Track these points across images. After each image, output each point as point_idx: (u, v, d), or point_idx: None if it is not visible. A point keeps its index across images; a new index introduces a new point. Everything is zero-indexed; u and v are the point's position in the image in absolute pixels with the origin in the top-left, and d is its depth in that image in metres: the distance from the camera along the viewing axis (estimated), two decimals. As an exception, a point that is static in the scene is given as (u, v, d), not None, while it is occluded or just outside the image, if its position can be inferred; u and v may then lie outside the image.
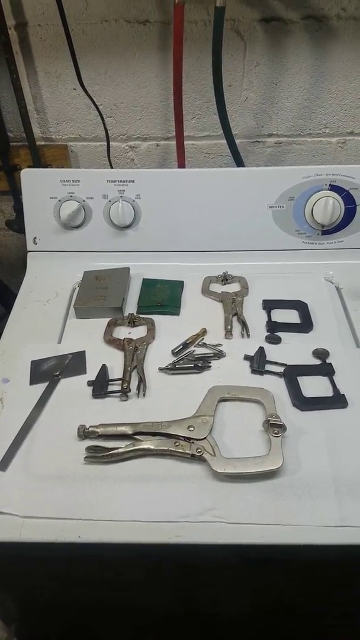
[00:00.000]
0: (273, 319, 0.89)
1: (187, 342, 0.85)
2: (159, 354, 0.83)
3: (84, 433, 0.70)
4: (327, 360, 0.81)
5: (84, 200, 0.98)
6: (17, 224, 1.19)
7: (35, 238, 1.01)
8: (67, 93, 1.06)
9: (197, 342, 0.85)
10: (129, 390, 0.77)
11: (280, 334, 0.86)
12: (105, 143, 1.10)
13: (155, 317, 0.90)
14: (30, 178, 0.98)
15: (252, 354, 0.82)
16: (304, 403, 0.74)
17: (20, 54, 1.01)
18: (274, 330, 0.87)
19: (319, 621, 0.92)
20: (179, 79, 0.96)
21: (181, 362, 0.81)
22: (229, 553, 0.63)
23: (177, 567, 0.71)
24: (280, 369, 0.79)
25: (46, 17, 0.96)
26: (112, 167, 1.13)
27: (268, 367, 0.80)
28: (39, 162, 1.12)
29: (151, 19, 0.96)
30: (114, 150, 1.13)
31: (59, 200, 0.98)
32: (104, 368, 0.80)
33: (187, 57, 0.97)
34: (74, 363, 0.82)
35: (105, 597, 0.84)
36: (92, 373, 0.80)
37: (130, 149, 1.13)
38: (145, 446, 0.68)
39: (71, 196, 0.97)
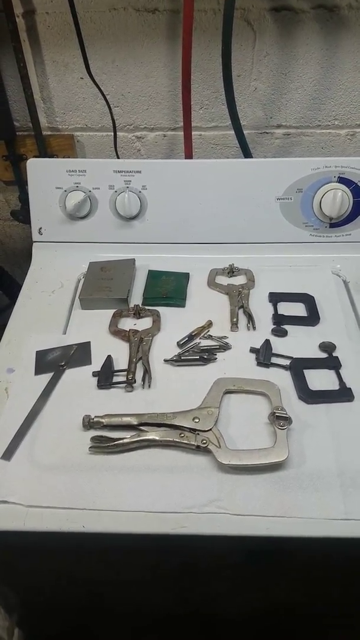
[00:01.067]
0: (279, 312, 0.88)
1: (193, 334, 0.84)
2: (164, 346, 0.83)
3: (89, 423, 0.70)
4: (334, 354, 0.80)
5: (90, 191, 0.97)
6: (22, 215, 1.19)
7: (40, 228, 1.01)
8: (74, 82, 1.05)
9: (202, 334, 0.85)
10: (134, 381, 0.76)
11: (286, 326, 0.85)
12: (112, 133, 1.09)
13: (161, 309, 0.90)
14: (36, 168, 0.98)
15: (258, 346, 0.81)
16: (310, 396, 0.74)
17: (28, 42, 1.00)
18: (280, 323, 0.86)
19: (319, 621, 0.92)
20: (187, 68, 0.95)
21: (187, 353, 0.81)
22: (234, 544, 0.63)
23: (180, 561, 0.71)
24: (287, 362, 0.79)
25: (54, 5, 0.95)
26: (118, 158, 1.13)
27: (274, 360, 0.79)
28: (45, 152, 1.11)
29: (160, 7, 0.95)
30: (120, 140, 1.12)
31: (65, 191, 0.97)
32: (109, 359, 0.80)
33: (196, 47, 0.95)
34: (79, 354, 0.82)
35: (108, 589, 0.85)
36: (97, 364, 0.80)
37: (137, 139, 1.12)
38: (150, 437, 0.68)
39: (77, 186, 0.97)
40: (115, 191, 0.97)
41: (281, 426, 0.67)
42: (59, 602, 0.92)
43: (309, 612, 0.88)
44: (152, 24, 0.97)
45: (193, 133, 1.06)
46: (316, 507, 0.62)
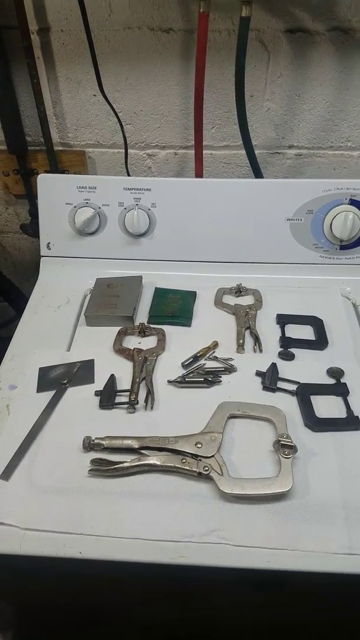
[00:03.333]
0: (287, 334, 0.87)
1: (198, 354, 0.83)
2: (168, 366, 0.82)
3: (90, 445, 0.68)
4: (342, 380, 0.78)
5: (99, 207, 0.97)
6: (31, 228, 1.19)
7: (49, 243, 1.01)
8: (87, 99, 1.05)
9: (208, 355, 0.83)
10: (137, 402, 0.75)
11: (293, 350, 0.84)
12: (124, 150, 1.09)
13: (166, 328, 0.89)
14: (47, 183, 0.98)
15: (264, 369, 0.80)
16: (316, 424, 0.72)
17: (42, 58, 1.01)
18: (287, 346, 0.85)
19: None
20: (200, 87, 0.95)
21: (191, 375, 0.80)
22: (234, 576, 0.61)
23: (178, 589, 0.69)
24: (293, 387, 0.77)
25: (69, 23, 0.96)
26: (129, 175, 1.12)
27: (280, 385, 0.78)
28: (56, 167, 1.11)
29: (175, 27, 0.95)
30: (131, 157, 1.12)
31: (75, 207, 0.97)
32: (112, 378, 0.79)
33: (209, 66, 0.95)
34: (82, 372, 0.81)
35: (104, 609, 0.83)
36: (100, 383, 0.79)
37: (148, 157, 1.12)
38: (151, 461, 0.66)
39: (87, 202, 0.97)
40: (125, 208, 0.97)
41: (286, 455, 0.66)
42: (55, 620, 0.91)
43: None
44: (166, 43, 0.97)
45: (204, 152, 1.06)
46: (319, 540, 0.60)
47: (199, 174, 1.07)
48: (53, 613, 0.88)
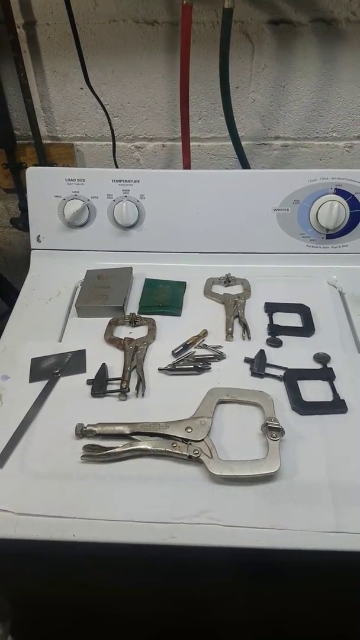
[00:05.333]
0: (275, 322, 0.89)
1: (188, 343, 0.84)
2: (159, 355, 0.83)
3: (82, 432, 0.70)
4: (328, 365, 0.80)
5: (88, 200, 0.98)
6: (21, 222, 1.19)
7: (39, 236, 1.01)
8: (74, 92, 1.06)
9: (197, 343, 0.85)
10: (128, 390, 0.76)
11: (281, 337, 0.86)
12: (111, 143, 1.10)
13: (157, 318, 0.90)
14: (36, 176, 0.98)
15: (252, 356, 0.81)
16: (303, 407, 0.74)
17: (29, 52, 1.01)
18: (275, 334, 0.86)
19: (314, 632, 0.91)
20: (185, 80, 0.96)
21: (181, 363, 0.81)
22: (224, 556, 0.63)
23: (172, 569, 0.71)
24: (281, 373, 0.79)
25: (55, 16, 0.97)
26: (117, 167, 1.13)
27: (268, 370, 0.79)
28: (44, 160, 1.12)
29: (159, 19, 0.96)
30: (119, 150, 1.13)
31: (64, 199, 0.98)
32: (103, 367, 0.80)
33: (194, 58, 0.96)
34: (74, 361, 0.82)
35: (100, 597, 0.84)
36: (91, 372, 0.80)
37: (136, 149, 1.13)
38: (143, 446, 0.68)
39: (76, 195, 0.98)
40: (114, 200, 0.98)
41: (274, 437, 0.67)
42: (52, 610, 0.92)
43: (302, 622, 0.87)
44: (151, 35, 0.98)
45: (191, 144, 1.07)
46: (307, 519, 0.62)
47: (186, 165, 1.08)
48: (49, 603, 0.89)
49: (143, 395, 0.77)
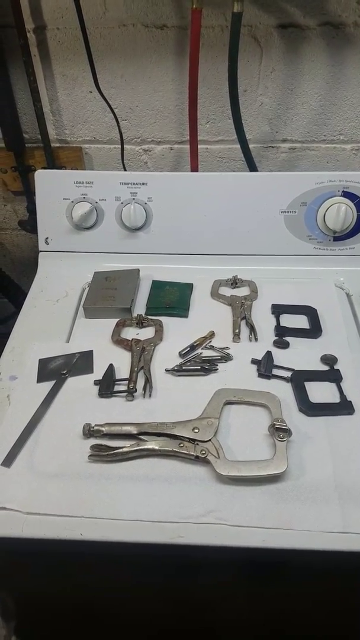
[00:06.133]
0: (282, 324, 0.89)
1: (195, 344, 0.85)
2: (166, 356, 0.83)
3: (89, 432, 0.70)
4: (335, 367, 0.80)
5: (96, 202, 0.99)
6: (30, 224, 1.20)
7: (47, 238, 1.02)
8: (83, 96, 1.07)
9: (204, 344, 0.85)
10: (135, 391, 0.77)
11: (288, 338, 0.86)
12: (120, 146, 1.10)
13: (164, 319, 0.90)
14: (44, 179, 0.99)
15: (259, 357, 0.81)
16: (310, 408, 0.74)
17: (38, 56, 1.02)
18: (282, 335, 0.86)
19: (317, 632, 0.90)
20: (194, 83, 0.97)
21: (188, 364, 0.81)
22: (231, 556, 0.63)
23: (176, 570, 0.71)
24: (288, 374, 0.79)
25: (65, 21, 0.98)
26: (125, 170, 1.14)
27: (275, 372, 0.79)
28: (53, 163, 1.13)
29: (169, 23, 0.97)
30: (128, 153, 1.13)
31: (72, 202, 0.99)
32: (110, 368, 0.80)
33: (203, 62, 0.97)
34: (82, 362, 0.82)
35: (106, 597, 0.84)
36: (99, 373, 0.80)
37: (144, 152, 1.14)
38: (150, 446, 0.68)
39: (84, 197, 0.98)
40: (122, 203, 0.98)
41: (281, 438, 0.67)
42: (56, 610, 0.92)
43: (306, 622, 0.87)
44: (160, 39, 0.99)
45: (199, 146, 1.07)
46: (314, 519, 0.62)
47: (194, 168, 1.09)
48: (52, 604, 0.89)
49: (150, 395, 0.77)
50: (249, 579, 0.73)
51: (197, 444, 0.68)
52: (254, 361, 0.81)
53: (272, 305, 0.92)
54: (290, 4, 0.94)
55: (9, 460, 0.69)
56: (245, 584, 0.75)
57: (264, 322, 0.89)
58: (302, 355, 0.83)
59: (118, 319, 0.90)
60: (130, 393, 0.76)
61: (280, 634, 0.92)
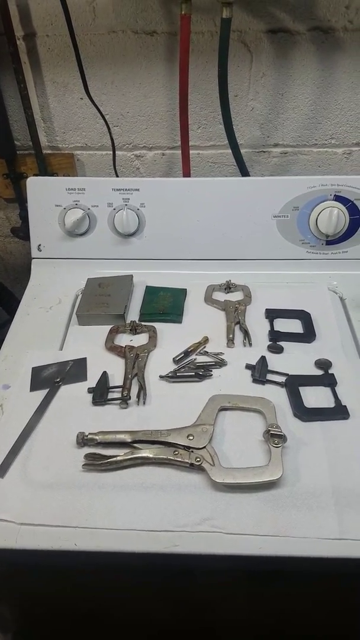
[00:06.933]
0: (275, 328, 0.89)
1: (189, 350, 0.84)
2: (160, 362, 0.83)
3: (83, 440, 0.70)
4: (330, 371, 0.80)
5: (88, 209, 0.98)
6: (22, 231, 1.20)
7: (39, 245, 1.02)
8: (74, 102, 1.07)
9: (198, 350, 0.85)
10: (129, 398, 0.76)
11: (282, 343, 0.85)
12: (112, 152, 1.10)
13: (158, 325, 0.90)
14: (36, 186, 0.99)
15: (253, 363, 0.81)
16: (305, 413, 0.73)
17: (28, 63, 1.02)
18: (276, 340, 0.86)
19: (313, 632, 0.90)
20: (185, 89, 0.97)
21: (182, 370, 0.81)
22: (227, 564, 0.62)
23: (173, 578, 0.70)
24: (282, 379, 0.79)
25: (54, 28, 0.98)
26: (117, 176, 1.14)
27: (270, 377, 0.79)
28: (45, 170, 1.12)
29: (158, 30, 0.97)
30: (119, 159, 1.13)
31: (64, 208, 0.98)
32: (104, 375, 0.80)
33: (193, 68, 0.97)
34: (75, 370, 0.82)
35: (103, 605, 0.84)
36: (92, 380, 0.80)
37: (136, 158, 1.14)
38: (144, 454, 0.67)
39: (76, 204, 0.98)
40: (114, 209, 0.98)
41: (276, 444, 0.67)
42: (54, 620, 0.91)
43: (303, 623, 0.87)
44: (150, 46, 0.99)
45: (191, 152, 1.07)
46: (310, 526, 0.61)
47: (186, 173, 1.09)
48: (50, 612, 0.88)
49: (144, 403, 0.76)
50: (248, 580, 0.73)
51: (192, 452, 0.67)
52: (248, 366, 0.81)
53: (266, 309, 0.92)
54: (279, 9, 0.94)
55: (2, 470, 0.68)
56: (245, 585, 0.75)
57: (258, 326, 0.89)
58: (297, 359, 0.82)
59: (111, 326, 0.90)
60: (124, 400, 0.76)
61: (280, 634, 0.92)
